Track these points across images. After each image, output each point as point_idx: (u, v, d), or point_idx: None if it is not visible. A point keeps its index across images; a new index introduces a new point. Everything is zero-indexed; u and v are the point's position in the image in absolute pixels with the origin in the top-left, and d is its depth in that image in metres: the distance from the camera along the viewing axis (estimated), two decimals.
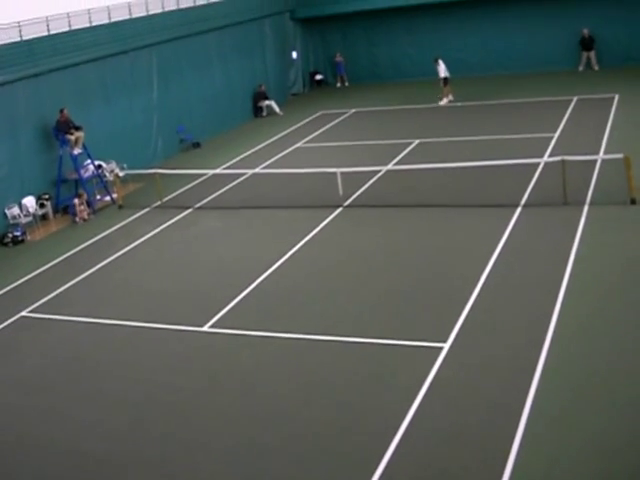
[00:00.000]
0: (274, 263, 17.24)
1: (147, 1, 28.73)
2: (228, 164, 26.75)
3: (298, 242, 18.34)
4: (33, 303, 16.90)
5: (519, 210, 18.52)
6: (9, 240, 21.29)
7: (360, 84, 39.49)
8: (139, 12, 28.32)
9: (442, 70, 32.03)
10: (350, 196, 21.05)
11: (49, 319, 16.05)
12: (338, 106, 34.54)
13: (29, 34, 23.28)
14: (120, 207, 23.31)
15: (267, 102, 34.91)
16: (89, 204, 23.16)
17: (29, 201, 22.64)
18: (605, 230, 16.83)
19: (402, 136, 27.33)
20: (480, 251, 16.39)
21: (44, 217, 23.11)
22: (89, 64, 25.65)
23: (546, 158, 21.48)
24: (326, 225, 19.38)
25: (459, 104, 31.71)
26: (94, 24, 25.99)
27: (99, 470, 10.72)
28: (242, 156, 27.78)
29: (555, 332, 12.65)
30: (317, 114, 33.55)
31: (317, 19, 39.94)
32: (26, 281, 18.42)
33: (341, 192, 20.92)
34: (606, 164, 20.30)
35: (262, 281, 16.40)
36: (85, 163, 24.02)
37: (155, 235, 20.45)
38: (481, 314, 13.67)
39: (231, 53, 33.83)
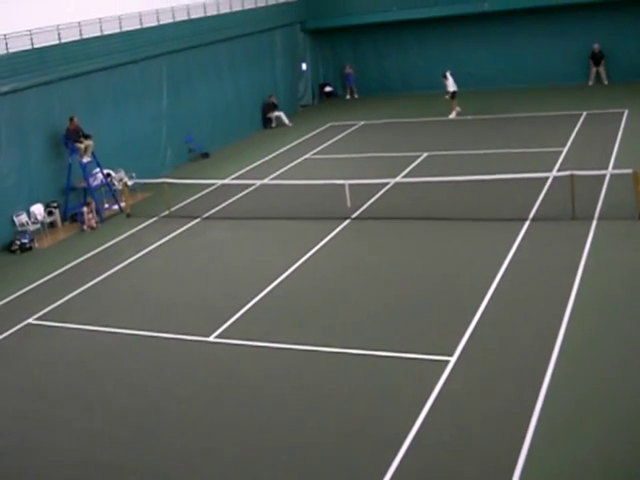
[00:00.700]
0: (281, 274, 17.23)
1: (158, 11, 28.83)
2: (236, 174, 26.77)
3: (306, 253, 18.33)
4: (40, 310, 16.91)
5: (527, 224, 18.48)
6: (17, 247, 21.32)
7: (369, 96, 39.55)
8: (150, 22, 28.41)
9: (450, 84, 32.05)
10: (358, 208, 21.04)
11: (55, 327, 16.05)
12: (347, 118, 34.60)
13: (40, 42, 23.36)
14: (128, 216, 23.34)
15: (276, 113, 34.97)
16: (97, 212, 23.20)
17: (37, 209, 22.68)
18: (613, 245, 16.78)
19: (411, 149, 27.32)
20: (488, 264, 16.35)
21: (52, 225, 23.15)
22: (100, 73, 25.74)
23: (555, 172, 21.44)
24: (334, 237, 19.36)
25: (469, 117, 31.71)
26: (105, 33, 26.09)
27: (103, 479, 10.68)
28: (251, 167, 27.81)
29: (562, 346, 12.60)
30: (326, 126, 33.59)
31: (327, 31, 40.06)
32: (33, 288, 18.44)
33: (349, 204, 20.92)
34: (615, 179, 20.26)
35: (269, 292, 16.39)
36: (94, 171, 24.06)
37: (162, 244, 20.47)
38: (488, 327, 13.62)
39: (241, 64, 33.92)
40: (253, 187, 24.39)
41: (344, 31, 39.84)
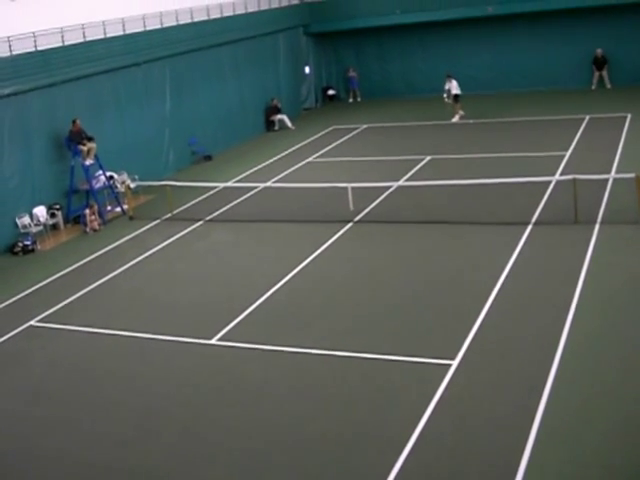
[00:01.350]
0: (284, 277, 17.22)
1: (162, 14, 28.87)
2: (239, 177, 26.79)
3: (308, 256, 18.33)
4: (42, 313, 16.92)
5: (530, 228, 18.47)
6: (19, 249, 21.33)
7: (372, 99, 39.57)
8: (153, 25, 28.46)
9: (454, 87, 32.05)
10: (361, 211, 21.03)
11: (57, 329, 16.05)
12: (350, 121, 34.61)
13: (44, 45, 23.39)
14: (131, 218, 23.35)
15: (279, 116, 34.99)
16: (100, 215, 23.21)
17: (40, 211, 22.71)
18: (616, 249, 16.77)
19: (414, 152, 27.32)
20: (490, 268, 16.34)
21: (55, 227, 23.15)
22: (103, 75, 25.77)
23: (557, 176, 21.44)
24: (336, 240, 19.35)
25: (471, 121, 31.72)
26: (108, 36, 26.13)
27: None
28: (253, 169, 27.82)
29: (564, 350, 12.59)
30: (329, 129, 33.60)
31: (330, 34, 40.11)
32: (35, 290, 18.45)
33: (352, 207, 20.91)
34: (617, 183, 20.23)
35: (271, 295, 16.38)
36: (97, 174, 24.07)
37: (165, 247, 20.47)
38: (490, 331, 13.61)
39: (244, 67, 33.95)
40: (256, 190, 24.38)
41: (347, 34, 39.88)
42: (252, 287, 16.86)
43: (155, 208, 23.88)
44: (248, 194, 24.27)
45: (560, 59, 36.19)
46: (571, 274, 15.55)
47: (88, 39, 25.20)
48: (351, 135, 32.01)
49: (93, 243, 21.50)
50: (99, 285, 18.24)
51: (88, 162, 23.56)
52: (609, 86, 35.30)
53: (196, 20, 31.04)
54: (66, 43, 24.32)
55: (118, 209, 24.27)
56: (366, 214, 20.96)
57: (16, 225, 21.95)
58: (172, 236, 21.16)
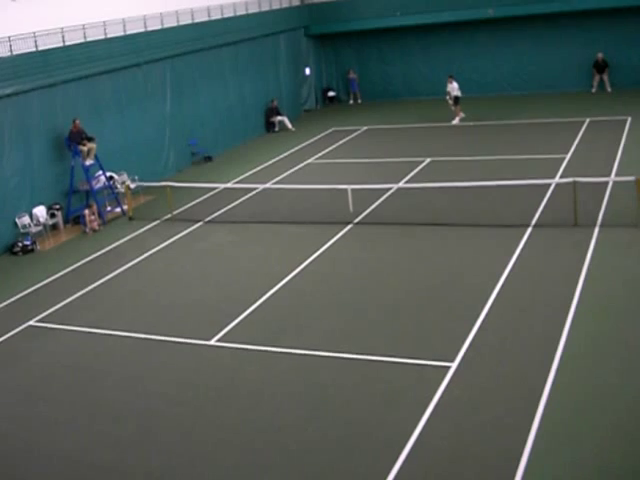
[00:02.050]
0: (283, 278, 17.22)
1: (162, 14, 28.87)
2: (239, 178, 26.79)
3: (307, 258, 18.32)
4: (41, 313, 16.91)
5: (530, 230, 18.47)
6: (19, 249, 21.33)
7: (373, 101, 39.59)
8: (154, 25, 28.45)
9: (455, 89, 32.06)
10: (360, 213, 21.03)
11: (56, 329, 16.04)
12: (350, 123, 34.61)
13: (44, 45, 23.39)
14: (130, 219, 23.35)
15: (279, 117, 35.00)
16: (100, 215, 23.21)
17: (40, 211, 22.70)
18: (615, 252, 16.77)
19: (414, 154, 27.33)
20: (490, 270, 16.34)
21: (54, 227, 23.15)
22: (103, 76, 25.77)
23: (558, 179, 21.46)
24: (336, 241, 19.35)
25: (471, 124, 31.72)
26: (109, 36, 26.13)
27: None
28: (253, 171, 27.82)
29: (563, 353, 12.59)
30: (329, 130, 33.61)
31: (331, 36, 40.12)
32: (34, 290, 18.44)
33: (351, 209, 20.91)
34: (618, 186, 20.25)
35: (270, 296, 16.38)
36: (97, 174, 24.07)
37: (165, 248, 20.47)
38: (489, 334, 13.61)
39: (244, 68, 33.96)
40: (256, 191, 24.38)
41: (348, 36, 39.90)
42: (251, 288, 16.85)
43: (155, 209, 23.88)
44: (248, 195, 24.26)
45: (561, 62, 36.21)
46: (571, 276, 15.55)
47: (88, 39, 25.19)
48: (351, 137, 32.01)
49: (93, 243, 21.49)
50: (98, 285, 18.24)
51: (88, 162, 23.55)
52: (609, 89, 35.31)
53: (197, 21, 31.05)
54: (66, 43, 24.31)
55: (118, 209, 24.26)
56: (366, 216, 20.95)
57: (16, 225, 21.94)
58: (172, 237, 21.15)
